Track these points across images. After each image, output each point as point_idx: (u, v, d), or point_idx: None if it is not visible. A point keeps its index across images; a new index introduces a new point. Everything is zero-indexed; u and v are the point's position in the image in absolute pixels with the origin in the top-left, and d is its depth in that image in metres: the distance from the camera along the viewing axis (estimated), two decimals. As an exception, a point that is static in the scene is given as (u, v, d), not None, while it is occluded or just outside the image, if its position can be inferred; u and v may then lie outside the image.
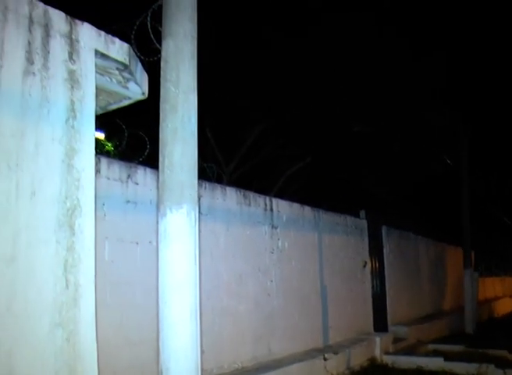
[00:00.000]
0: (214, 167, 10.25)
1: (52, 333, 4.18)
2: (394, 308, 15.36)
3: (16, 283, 3.99)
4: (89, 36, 4.68)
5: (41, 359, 4.06)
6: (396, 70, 15.22)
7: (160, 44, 5.20)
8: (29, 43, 4.24)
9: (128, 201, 6.93)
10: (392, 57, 14.78)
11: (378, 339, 12.84)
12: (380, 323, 14.39)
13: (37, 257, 4.14)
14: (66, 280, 4.32)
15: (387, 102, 16.13)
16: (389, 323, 14.81)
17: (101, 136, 10.95)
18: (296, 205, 11.30)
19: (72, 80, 4.52)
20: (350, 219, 13.63)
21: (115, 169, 6.76)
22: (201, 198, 8.11)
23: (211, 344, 8.00)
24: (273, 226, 10.25)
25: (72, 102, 4.50)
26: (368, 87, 15.28)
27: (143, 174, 7.19)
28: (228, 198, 9.14)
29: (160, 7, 5.36)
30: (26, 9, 4.23)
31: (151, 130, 7.69)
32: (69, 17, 4.53)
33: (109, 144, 10.17)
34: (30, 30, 4.26)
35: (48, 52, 4.37)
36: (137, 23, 5.80)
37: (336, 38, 13.95)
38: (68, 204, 4.39)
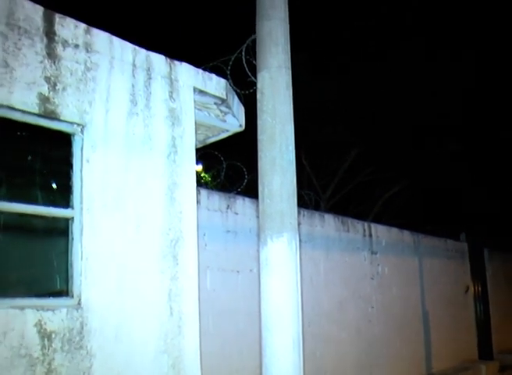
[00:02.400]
0: (311, 194, 10.25)
1: (158, 360, 4.33)
2: (500, 335, 14.50)
3: (123, 312, 4.20)
4: (187, 74, 4.92)
5: (148, 385, 4.22)
6: (486, 86, 14.74)
7: (255, 77, 5.33)
8: (132, 86, 4.54)
9: (228, 231, 7.08)
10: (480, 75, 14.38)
11: (483, 367, 12.18)
12: (485, 351, 13.64)
13: (142, 287, 4.34)
14: (171, 309, 4.48)
15: (480, 117, 15.58)
16: (494, 350, 14.00)
17: (199, 168, 11.32)
18: (394, 230, 11.05)
19: (173, 117, 4.76)
20: (450, 243, 13.16)
21: (214, 200, 6.95)
22: (300, 226, 8.11)
23: (313, 371, 7.90)
24: (372, 252, 10.07)
25: (174, 138, 4.73)
26: (458, 104, 14.88)
27: (242, 204, 7.33)
28: (326, 224, 9.10)
29: (254, 41, 5.51)
30: (130, 57, 4.57)
31: (248, 160, 7.86)
32: (168, 59, 4.80)
33: (207, 176, 10.45)
34: (133, 75, 4.57)
35: (150, 93, 4.64)
36: (233, 58, 5.99)
37: (418, 62, 13.84)
38: (171, 235, 4.58)
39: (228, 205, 7.13)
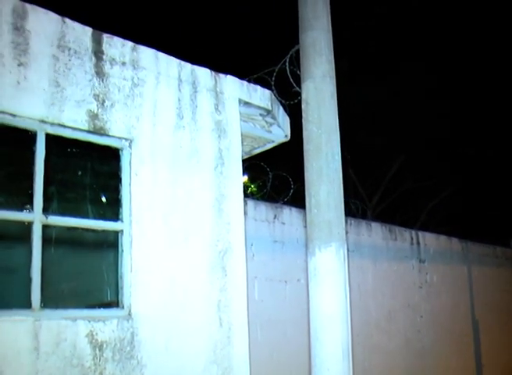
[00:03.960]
0: (358, 203, 10.16)
1: (208, 371, 4.36)
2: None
3: (173, 323, 4.25)
4: (232, 87, 4.97)
5: (198, 396, 4.26)
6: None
7: (300, 87, 5.34)
8: (179, 100, 4.63)
9: (275, 241, 7.10)
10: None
11: (536, 379, 11.74)
12: (540, 361, 13.13)
13: (191, 298, 4.39)
14: (220, 320, 4.51)
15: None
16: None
17: (245, 178, 11.37)
18: (443, 238, 10.83)
19: (219, 129, 4.81)
20: (499, 250, 12.77)
21: (261, 211, 6.98)
22: (347, 235, 8.04)
23: (362, 382, 7.81)
24: (420, 260, 9.90)
25: (220, 150, 4.78)
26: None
27: (288, 214, 7.34)
28: (373, 233, 9.01)
29: (297, 51, 5.52)
30: (175, 71, 4.66)
31: (293, 169, 7.85)
32: (213, 72, 4.86)
33: (252, 186, 10.47)
34: (179, 89, 4.66)
35: (196, 106, 4.72)
36: (277, 69, 6.01)
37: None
38: (220, 246, 4.61)
39: (275, 215, 7.15)
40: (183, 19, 13.84)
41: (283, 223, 7.25)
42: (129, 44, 4.40)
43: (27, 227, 3.82)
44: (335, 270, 4.91)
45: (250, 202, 6.90)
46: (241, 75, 5.21)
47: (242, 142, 5.02)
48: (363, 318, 8.29)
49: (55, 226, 4.04)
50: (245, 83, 5.10)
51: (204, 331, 4.41)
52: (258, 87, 5.18)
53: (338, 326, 4.82)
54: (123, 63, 4.33)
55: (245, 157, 5.70)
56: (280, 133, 5.60)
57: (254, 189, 10.76)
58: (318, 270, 4.94)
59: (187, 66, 4.73)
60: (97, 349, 3.81)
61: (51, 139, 3.94)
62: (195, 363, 4.30)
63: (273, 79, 6.02)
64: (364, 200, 15.75)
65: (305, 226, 5.92)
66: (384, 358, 8.61)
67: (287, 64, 5.85)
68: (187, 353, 4.27)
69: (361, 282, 8.46)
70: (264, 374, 6.48)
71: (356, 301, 8.03)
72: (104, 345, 3.85)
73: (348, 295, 5.01)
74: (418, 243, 9.96)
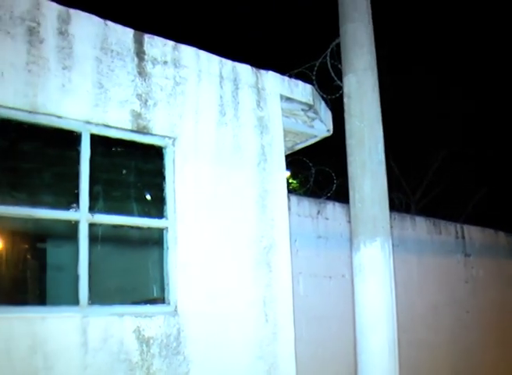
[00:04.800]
0: (401, 197, 10.01)
1: (254, 366, 4.38)
2: None
3: (219, 319, 4.28)
4: (274, 83, 4.96)
5: (244, 392, 4.27)
6: None
7: (341, 81, 5.29)
8: (220, 97, 4.65)
9: (319, 237, 7.08)
10: None
11: None
12: None
13: (237, 294, 4.41)
14: (266, 315, 4.51)
15: None
16: None
17: (287, 174, 11.32)
18: (489, 231, 10.54)
19: (261, 125, 4.81)
20: (549, 243, 12.39)
21: (305, 206, 6.96)
22: (392, 229, 7.94)
23: (408, 378, 7.71)
24: (466, 254, 9.68)
25: (263, 146, 4.78)
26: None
27: (332, 209, 7.30)
28: (418, 227, 8.87)
29: (338, 45, 5.47)
30: (217, 68, 4.69)
31: (336, 164, 7.79)
32: (254, 68, 4.86)
33: (294, 182, 10.43)
34: (221, 86, 4.67)
35: (238, 103, 4.73)
36: (317, 63, 5.97)
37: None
38: (264, 242, 4.61)
39: (318, 211, 7.12)
40: (222, 15, 13.88)
41: (327, 219, 7.22)
42: (170, 43, 4.44)
43: (74, 226, 3.88)
44: (380, 265, 4.86)
45: (294, 198, 6.89)
46: (282, 70, 5.19)
47: (284, 138, 5.00)
48: (408, 314, 8.17)
49: (100, 225, 4.11)
50: (286, 78, 5.08)
51: (250, 327, 4.42)
52: (300, 82, 5.15)
53: (384, 322, 4.77)
54: (165, 62, 4.37)
55: (287, 153, 5.68)
56: (322, 127, 5.56)
57: (297, 185, 10.72)
58: (363, 266, 4.90)
59: (228, 62, 4.75)
60: (144, 345, 3.86)
61: (95, 139, 4.01)
62: (241, 359, 4.32)
63: (314, 73, 5.97)
64: (407, 194, 15.52)
65: (349, 221, 5.87)
66: (430, 355, 8.47)
67: (328, 58, 5.80)
68: (233, 349, 4.29)
69: (406, 277, 8.34)
70: (309, 371, 6.46)
71: (401, 297, 7.88)
72: (151, 341, 3.91)
73: (393, 291, 4.95)
74: (463, 237, 9.76)
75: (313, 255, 6.94)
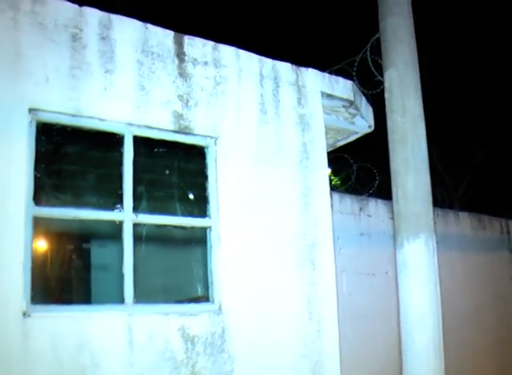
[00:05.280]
0: (444, 193, 9.84)
1: (298, 364, 4.37)
2: None
3: (263, 317, 4.29)
4: (314, 80, 4.94)
5: (290, 390, 4.26)
6: None
7: (382, 76, 5.22)
8: (261, 96, 4.66)
9: (362, 234, 7.03)
10: None
11: None
12: None
13: (280, 292, 4.40)
14: (310, 313, 4.50)
15: None
16: None
17: (328, 171, 11.19)
18: (535, 227, 10.28)
19: (302, 123, 4.80)
20: None
21: (347, 203, 6.93)
22: (435, 225, 7.83)
23: (452, 378, 7.57)
24: (511, 251, 9.46)
25: (304, 144, 4.77)
26: None
27: (374, 206, 7.24)
28: (461, 223, 8.72)
29: (378, 40, 5.40)
30: (257, 67, 4.70)
31: (377, 160, 7.70)
32: (294, 66, 4.85)
33: (336, 179, 10.36)
34: (261, 85, 4.68)
35: (279, 101, 4.73)
36: (358, 58, 5.91)
37: None
38: (307, 240, 4.60)
39: (360, 208, 7.08)
40: (259, 13, 13.87)
41: (369, 216, 7.17)
42: (210, 43, 4.48)
43: (118, 226, 3.94)
44: (424, 263, 4.79)
45: (336, 195, 6.86)
46: (322, 67, 5.15)
47: (325, 135, 4.98)
48: (451, 312, 8.01)
49: (144, 224, 4.17)
50: (327, 75, 5.05)
51: (294, 325, 4.41)
52: (340, 79, 5.11)
53: (429, 321, 4.70)
54: (205, 63, 4.40)
55: (329, 150, 5.64)
56: (363, 124, 5.52)
57: (338, 182, 10.65)
58: (407, 263, 4.83)
59: (268, 61, 4.75)
60: (189, 343, 3.90)
61: (138, 140, 4.08)
62: (285, 357, 4.32)
63: (355, 69, 5.92)
64: (450, 190, 15.26)
65: (392, 218, 5.80)
66: (474, 354, 8.30)
67: (368, 53, 5.73)
68: (277, 347, 4.29)
69: (450, 274, 8.17)
70: (353, 369, 6.42)
71: (444, 295, 7.76)
72: (196, 339, 3.94)
73: (438, 288, 4.87)
74: (508, 232, 9.54)
75: (356, 253, 6.90)
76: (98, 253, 7.70)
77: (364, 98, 5.47)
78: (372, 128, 5.60)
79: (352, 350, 6.52)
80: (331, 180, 10.91)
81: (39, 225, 3.71)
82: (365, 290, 6.96)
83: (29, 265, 3.50)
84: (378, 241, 7.14)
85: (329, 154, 5.43)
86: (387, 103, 5.10)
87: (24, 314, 3.38)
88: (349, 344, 6.43)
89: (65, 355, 3.46)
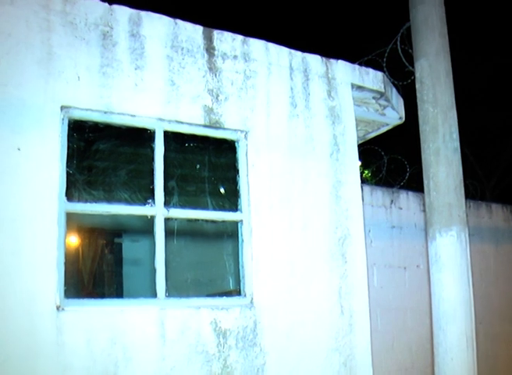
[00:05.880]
0: (476, 184, 9.70)
1: (329, 358, 4.36)
2: None
3: (294, 311, 4.28)
4: (344, 72, 4.90)
5: (320, 383, 4.25)
6: None
7: (412, 66, 5.15)
8: (291, 89, 4.64)
9: (393, 227, 6.98)
10: None
11: None
12: None
13: (311, 285, 4.39)
14: (341, 307, 4.48)
15: None
16: None
17: (359, 163, 11.08)
18: None
19: (333, 115, 4.77)
20: None
21: (378, 196, 6.88)
22: (467, 218, 7.74)
23: (485, 372, 7.46)
24: (544, 242, 9.28)
25: (335, 136, 4.74)
26: None
27: (405, 198, 7.19)
28: (494, 215, 8.58)
29: (408, 29, 5.32)
30: (286, 60, 4.68)
31: (408, 152, 7.62)
32: (324, 58, 4.82)
33: (366, 171, 10.29)
34: (291, 78, 4.67)
35: (309, 94, 4.70)
36: (388, 49, 5.83)
37: None
38: (339, 233, 4.58)
39: (391, 201, 7.03)
40: (286, 4, 13.81)
41: (400, 208, 7.12)
42: (239, 37, 4.47)
43: (150, 221, 3.97)
44: (456, 255, 4.71)
45: (367, 188, 6.83)
46: (352, 58, 5.11)
47: (356, 127, 4.94)
48: (484, 305, 7.93)
49: (176, 219, 4.19)
50: (357, 66, 5.00)
51: (326, 319, 4.40)
52: (370, 70, 5.06)
53: (461, 314, 4.63)
54: (235, 57, 4.40)
55: (359, 142, 5.60)
56: (394, 115, 5.45)
57: (368, 174, 10.57)
58: (439, 256, 4.76)
59: (298, 54, 4.73)
60: (220, 337, 3.92)
61: (169, 135, 4.10)
62: (317, 351, 4.31)
63: (385, 60, 5.84)
64: (481, 181, 15.03)
65: (423, 211, 5.75)
66: (507, 347, 8.21)
67: (398, 43, 5.65)
68: (309, 341, 4.29)
69: (482, 267, 8.11)
70: (384, 363, 6.40)
71: (477, 287, 7.68)
72: (228, 333, 3.96)
73: (471, 281, 4.80)
74: (544, 223, 9.36)
75: (387, 246, 6.86)
76: (130, 248, 7.81)
77: (394, 89, 5.40)
78: (403, 119, 5.53)
79: (383, 343, 6.51)
80: (361, 173, 10.83)
81: (72, 220, 3.77)
82: (396, 283, 6.92)
83: (62, 260, 3.56)
84: (410, 234, 7.09)
85: (360, 146, 5.38)
86: (418, 93, 5.02)
87: (58, 308, 3.44)
88: (380, 337, 6.41)
89: (98, 348, 3.51)
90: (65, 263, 3.59)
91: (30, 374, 3.29)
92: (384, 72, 5.36)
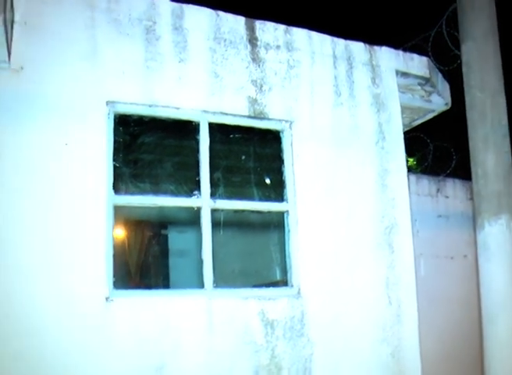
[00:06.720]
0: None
1: (377, 349, 4.32)
2: None
3: (340, 301, 4.26)
4: (388, 58, 4.82)
5: (367, 373, 4.25)
6: None
7: (459, 50, 5.02)
8: (335, 77, 4.60)
9: (439, 216, 6.89)
10: None
11: None
12: None
13: (357, 275, 4.36)
14: (388, 297, 4.43)
15: None
16: None
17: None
18: None
19: (377, 103, 4.71)
20: None
21: (424, 185, 6.81)
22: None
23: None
24: None
25: (380, 124, 4.68)
26: None
27: (452, 187, 7.07)
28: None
29: (454, 11, 5.20)
30: (329, 49, 4.64)
31: (454, 139, 7.46)
32: (367, 45, 4.75)
33: (411, 160, 10.10)
34: (335, 66, 4.62)
35: (353, 82, 4.65)
36: (433, 33, 5.70)
37: None
38: (385, 223, 4.53)
39: (438, 189, 6.93)
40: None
41: (447, 197, 7.01)
42: (282, 27, 4.46)
43: (196, 212, 4.01)
44: (506, 244, 4.59)
45: (412, 177, 6.74)
46: (396, 44, 5.02)
47: (401, 114, 4.86)
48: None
49: (222, 210, 4.22)
50: (401, 52, 4.91)
51: (373, 309, 4.37)
52: (415, 56, 4.96)
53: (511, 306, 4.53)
54: (277, 47, 4.39)
55: (405, 129, 5.50)
56: (440, 101, 5.34)
57: (414, 163, 10.39)
58: (488, 245, 4.65)
59: (341, 42, 4.68)
60: (268, 327, 3.93)
61: (213, 127, 4.13)
62: (364, 341, 4.29)
63: (430, 44, 5.72)
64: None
65: (471, 199, 5.63)
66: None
67: (444, 26, 5.52)
68: (356, 331, 4.27)
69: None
70: (432, 355, 6.31)
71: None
72: (275, 323, 3.96)
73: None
74: None
75: (433, 236, 6.77)
76: (176, 239, 7.90)
77: (440, 75, 5.28)
78: (449, 105, 5.41)
79: (431, 335, 6.42)
80: (407, 161, 10.63)
81: (119, 213, 3.84)
82: (443, 273, 6.84)
83: (110, 252, 3.63)
84: (456, 223, 6.98)
85: (405, 134, 5.30)
86: (465, 78, 4.89)
87: (107, 299, 3.51)
88: (428, 329, 6.32)
89: (146, 338, 3.58)
90: (114, 255, 3.66)
91: (81, 362, 3.37)
92: (429, 57, 5.25)
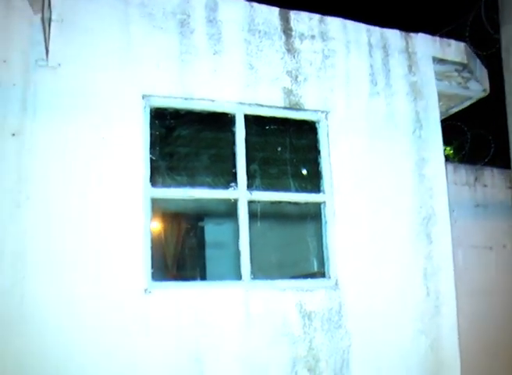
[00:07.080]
0: None
1: (415, 341, 4.27)
2: None
3: (378, 292, 4.22)
4: (424, 45, 4.74)
5: (405, 366, 4.20)
6: None
7: (497, 34, 4.90)
8: (371, 66, 4.55)
9: (477, 205, 6.74)
10: None
11: None
12: None
13: (395, 266, 4.31)
14: (427, 288, 4.38)
15: None
16: None
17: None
18: None
19: (414, 91, 4.64)
20: None
21: (461, 174, 6.68)
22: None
23: None
24: None
25: (417, 113, 4.61)
26: None
27: (490, 175, 6.92)
28: None
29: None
30: (364, 37, 4.58)
31: (492, 127, 7.31)
32: (403, 33, 4.68)
33: (448, 148, 9.94)
34: (370, 55, 4.57)
35: (389, 70, 4.59)
36: (471, 17, 5.57)
37: None
38: (423, 213, 4.47)
39: (476, 178, 6.79)
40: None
41: (485, 186, 6.86)
42: (316, 16, 4.42)
43: (233, 204, 4.01)
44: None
45: (449, 166, 6.61)
46: (432, 30, 4.92)
47: (438, 102, 4.77)
48: None
49: (259, 202, 4.22)
50: (437, 39, 4.82)
51: (411, 300, 4.32)
52: (452, 41, 4.85)
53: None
54: (312, 37, 4.35)
55: (442, 118, 5.41)
56: (478, 88, 5.21)
57: (451, 151, 10.23)
58: (528, 235, 4.56)
59: (376, 30, 4.61)
60: (306, 319, 3.93)
61: (249, 119, 4.13)
62: (402, 333, 4.24)
63: (468, 29, 5.58)
64: None
65: (510, 188, 5.52)
66: None
67: (482, 9, 5.38)
68: (393, 323, 4.23)
69: None
70: (470, 346, 6.21)
71: None
72: (313, 315, 3.96)
73: None
74: None
75: (472, 225, 6.63)
76: (212, 231, 7.95)
77: (478, 60, 5.15)
78: (487, 92, 5.27)
79: (469, 327, 6.31)
80: (444, 150, 10.45)
81: (156, 206, 3.87)
82: (482, 264, 6.70)
83: (148, 244, 3.67)
84: (495, 213, 6.82)
85: (442, 122, 5.22)
86: (504, 63, 4.80)
87: (145, 291, 3.56)
88: (466, 320, 6.22)
89: (184, 328, 3.62)
90: (152, 247, 3.69)
91: (120, 354, 3.43)
92: (467, 42, 5.14)
